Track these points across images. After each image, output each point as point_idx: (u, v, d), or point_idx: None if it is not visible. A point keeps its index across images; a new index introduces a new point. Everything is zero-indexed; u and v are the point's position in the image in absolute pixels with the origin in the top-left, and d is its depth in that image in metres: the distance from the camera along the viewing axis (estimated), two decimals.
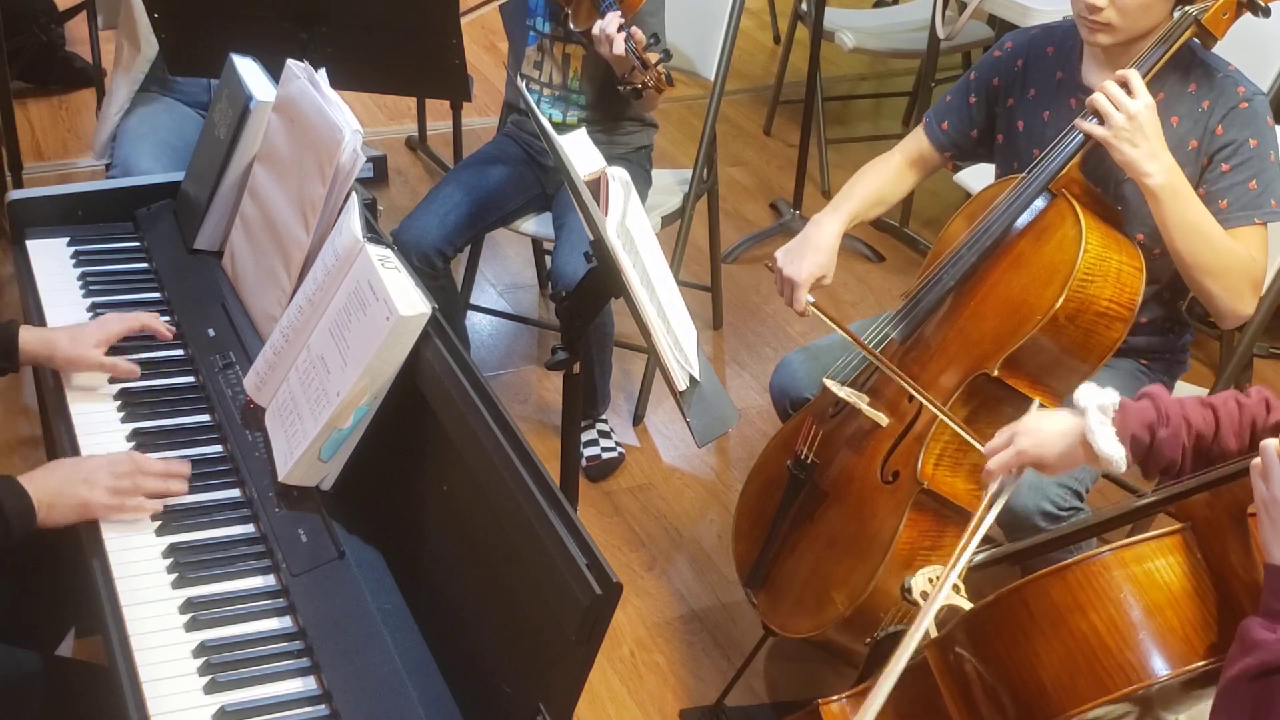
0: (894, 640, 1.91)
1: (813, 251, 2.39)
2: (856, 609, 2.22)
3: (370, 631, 1.63)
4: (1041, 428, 1.80)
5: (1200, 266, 2.16)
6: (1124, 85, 2.11)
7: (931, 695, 1.75)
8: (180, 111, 3.11)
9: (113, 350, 2.02)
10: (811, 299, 2.37)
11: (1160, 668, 1.53)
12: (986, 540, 1.92)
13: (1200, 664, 1.53)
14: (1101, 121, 2.12)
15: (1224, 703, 1.40)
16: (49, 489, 1.76)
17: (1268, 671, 1.36)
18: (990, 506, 1.82)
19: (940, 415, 2.17)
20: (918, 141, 2.57)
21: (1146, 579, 1.56)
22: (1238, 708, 1.38)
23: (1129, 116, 2.09)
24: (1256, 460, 1.48)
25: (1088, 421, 1.75)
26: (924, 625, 1.71)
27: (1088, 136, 2.15)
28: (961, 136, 2.53)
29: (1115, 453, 1.72)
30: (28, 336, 1.97)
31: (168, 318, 2.18)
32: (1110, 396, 1.76)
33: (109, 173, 3.03)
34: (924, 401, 2.19)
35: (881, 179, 2.54)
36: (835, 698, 1.90)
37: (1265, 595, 1.43)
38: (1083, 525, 1.89)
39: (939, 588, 1.74)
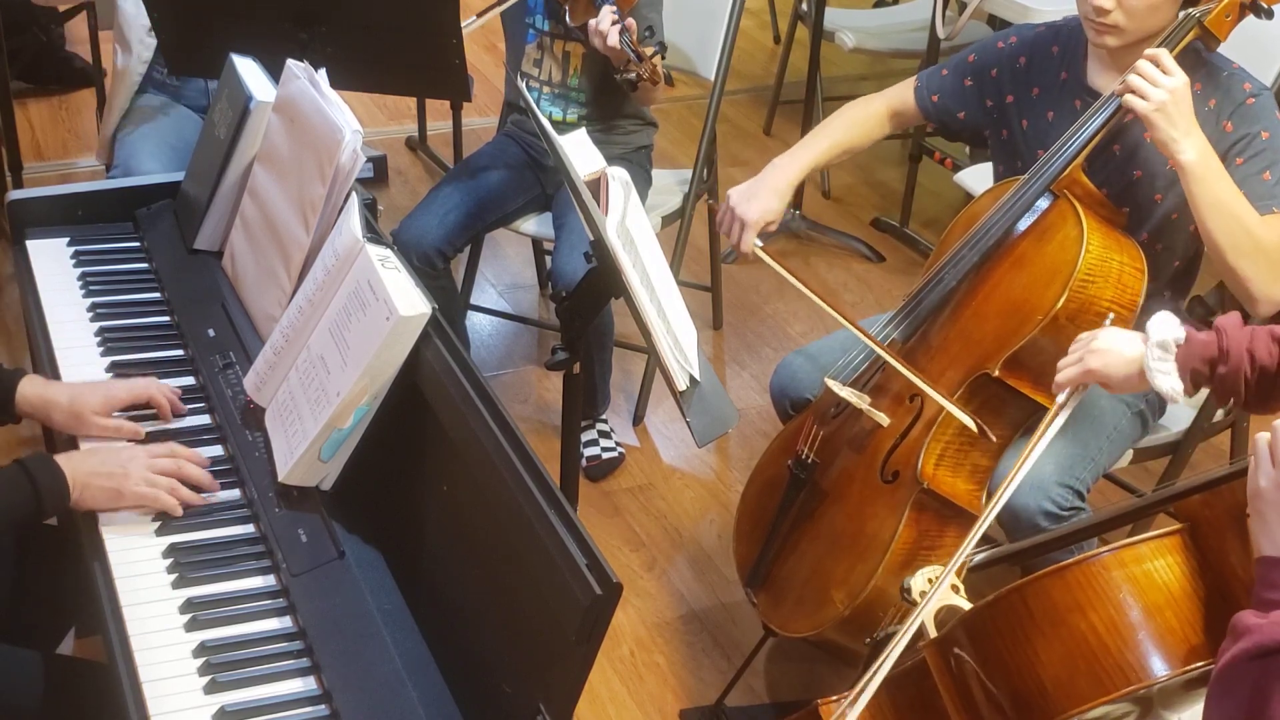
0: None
1: (766, 194, 2.44)
2: (856, 608, 2.22)
3: (370, 631, 1.63)
4: (1111, 349, 1.91)
5: (1235, 247, 2.13)
6: (1156, 63, 2.11)
7: (931, 696, 1.75)
8: (180, 112, 3.11)
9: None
10: (760, 243, 2.42)
11: (1160, 668, 1.53)
12: (986, 540, 1.92)
13: (1200, 664, 1.53)
14: (1140, 99, 2.11)
15: (1222, 687, 1.40)
16: (85, 470, 1.76)
17: (1264, 653, 1.36)
18: (1055, 416, 1.95)
19: (934, 395, 2.17)
20: (904, 99, 2.58)
21: (1146, 579, 1.56)
22: (1237, 690, 1.37)
23: (1168, 92, 2.09)
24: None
25: (1147, 358, 1.85)
26: (920, 617, 1.72)
27: (1130, 110, 2.13)
28: (948, 115, 2.54)
29: (1171, 388, 1.83)
30: (27, 391, 1.89)
31: (167, 318, 2.19)
32: (1176, 331, 1.85)
33: (110, 174, 3.03)
34: (890, 362, 2.20)
35: (857, 126, 2.58)
36: (835, 698, 1.90)
37: (1257, 587, 1.44)
38: (1083, 525, 1.89)
39: (941, 579, 1.75)
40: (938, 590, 1.75)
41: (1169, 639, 1.54)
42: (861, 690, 1.66)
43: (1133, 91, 2.11)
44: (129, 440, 1.89)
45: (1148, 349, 1.86)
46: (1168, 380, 1.84)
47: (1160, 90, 2.09)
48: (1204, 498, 1.59)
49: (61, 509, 1.76)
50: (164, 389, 1.96)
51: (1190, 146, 2.11)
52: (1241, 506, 1.52)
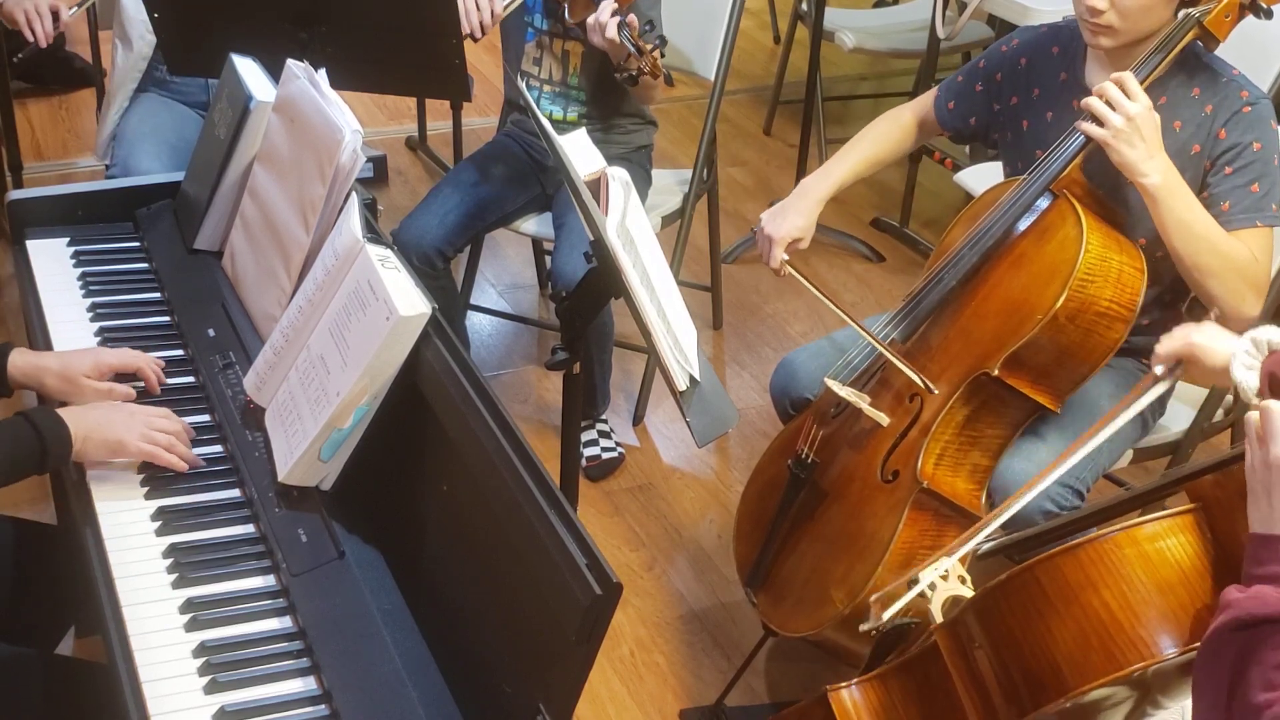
0: (900, 632, 1.92)
1: (794, 214, 2.46)
2: (855, 607, 2.22)
3: (370, 631, 1.63)
4: (1214, 336, 1.92)
5: (1200, 267, 2.16)
6: (1121, 87, 2.12)
7: (942, 679, 1.76)
8: (180, 111, 3.11)
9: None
10: (787, 257, 2.44)
11: (1172, 644, 1.53)
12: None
13: None
14: (1100, 123, 2.13)
15: (1207, 656, 1.43)
16: (87, 422, 1.79)
17: (1243, 625, 1.39)
18: (1147, 389, 1.95)
19: (909, 372, 2.19)
20: (926, 108, 2.61)
21: (1159, 557, 1.57)
22: (1221, 659, 1.40)
23: (1127, 119, 2.10)
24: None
25: (1237, 345, 1.83)
26: (924, 583, 1.74)
27: (1089, 138, 2.15)
28: (962, 121, 2.55)
29: (1244, 380, 1.81)
30: (18, 361, 1.92)
31: (167, 318, 2.19)
32: (1275, 334, 1.83)
33: (108, 172, 3.03)
34: (899, 363, 2.22)
35: (886, 139, 2.60)
36: (844, 684, 1.90)
37: (1245, 562, 1.46)
38: (1090, 512, 1.89)
39: (959, 546, 1.76)
40: (943, 562, 1.77)
41: (1181, 616, 1.55)
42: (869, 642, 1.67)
43: (1092, 115, 2.12)
44: (122, 401, 1.93)
45: (1241, 340, 1.85)
46: (1243, 371, 1.82)
47: (1118, 116, 2.10)
48: (1215, 478, 1.60)
49: (65, 460, 1.79)
50: (150, 360, 2.00)
51: (1153, 170, 2.12)
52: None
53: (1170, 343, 1.95)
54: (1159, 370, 1.96)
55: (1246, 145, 2.20)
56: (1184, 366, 1.95)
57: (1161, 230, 2.16)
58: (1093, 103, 2.13)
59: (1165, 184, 2.12)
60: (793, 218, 2.45)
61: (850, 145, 2.58)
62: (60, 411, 1.79)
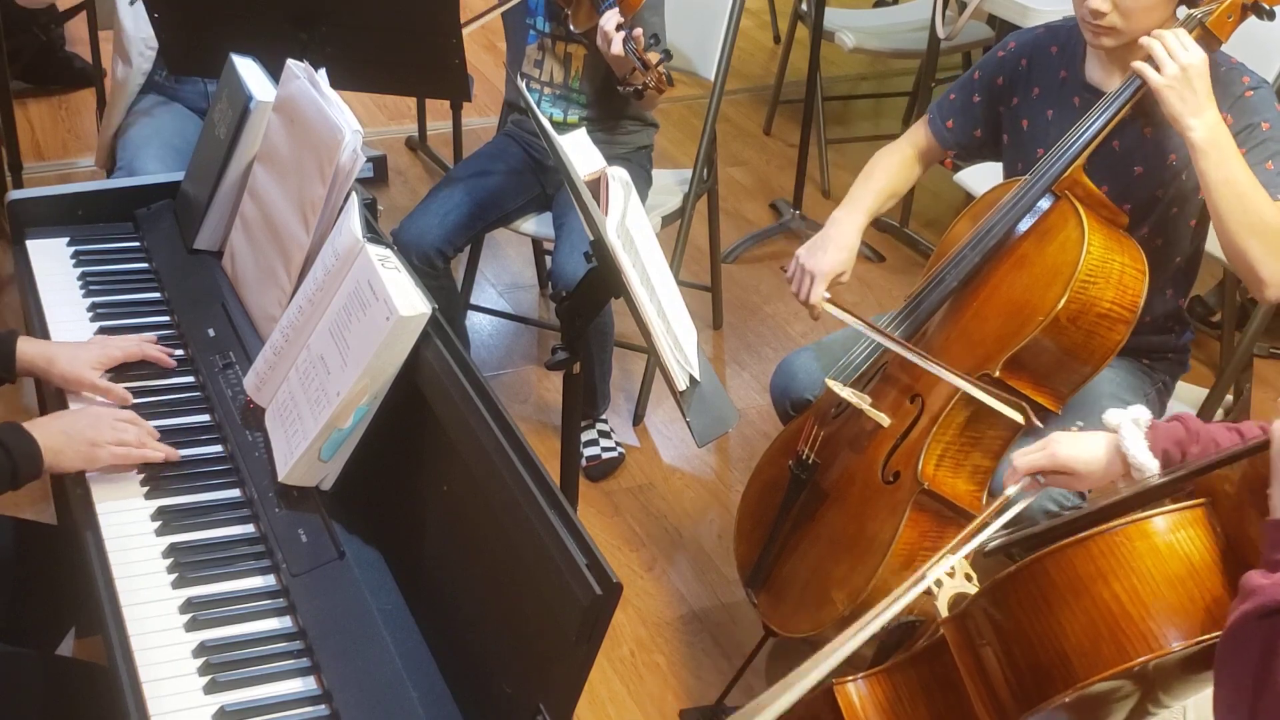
0: (906, 630, 1.91)
1: (835, 248, 2.43)
2: (856, 609, 2.21)
3: (370, 631, 1.63)
4: (1077, 438, 1.85)
5: (1244, 224, 2.12)
6: (1176, 39, 2.12)
7: (949, 672, 1.76)
8: (182, 114, 3.11)
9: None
10: (828, 295, 2.40)
11: (1180, 637, 1.54)
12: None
13: (1218, 635, 1.54)
14: (1155, 71, 2.12)
15: (1231, 645, 1.43)
16: (55, 434, 1.80)
17: (1270, 612, 1.39)
18: (1001, 510, 1.85)
19: (965, 386, 2.17)
20: (923, 135, 2.59)
21: (1168, 550, 1.57)
22: (1247, 648, 1.40)
23: (1182, 68, 2.10)
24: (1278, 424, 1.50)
25: (1122, 432, 1.79)
26: (924, 584, 1.74)
27: (1144, 81, 2.13)
28: (966, 136, 2.54)
29: (1148, 462, 1.77)
30: (27, 348, 1.95)
31: (167, 318, 2.19)
32: (1142, 413, 1.81)
33: (113, 176, 3.03)
34: (949, 376, 2.19)
35: (894, 173, 2.57)
36: (850, 678, 1.90)
37: (1266, 548, 1.45)
38: (1091, 511, 1.89)
39: (964, 543, 1.76)
40: (949, 560, 1.77)
41: (1190, 609, 1.55)
42: (859, 631, 1.66)
43: (1150, 60, 2.12)
44: (117, 404, 1.96)
45: (1123, 426, 1.80)
46: (1144, 453, 1.78)
47: (1174, 64, 2.10)
48: (1225, 473, 1.60)
49: (35, 475, 1.79)
50: (153, 347, 2.05)
51: (1201, 124, 2.11)
52: (1263, 482, 1.53)
53: (1031, 457, 1.87)
54: (1011, 491, 1.87)
55: (1255, 126, 2.20)
56: (1047, 478, 1.88)
57: (1204, 187, 2.14)
58: (1153, 45, 2.12)
59: (1212, 138, 2.12)
60: (834, 252, 2.41)
61: (866, 180, 2.54)
62: (28, 426, 1.80)
